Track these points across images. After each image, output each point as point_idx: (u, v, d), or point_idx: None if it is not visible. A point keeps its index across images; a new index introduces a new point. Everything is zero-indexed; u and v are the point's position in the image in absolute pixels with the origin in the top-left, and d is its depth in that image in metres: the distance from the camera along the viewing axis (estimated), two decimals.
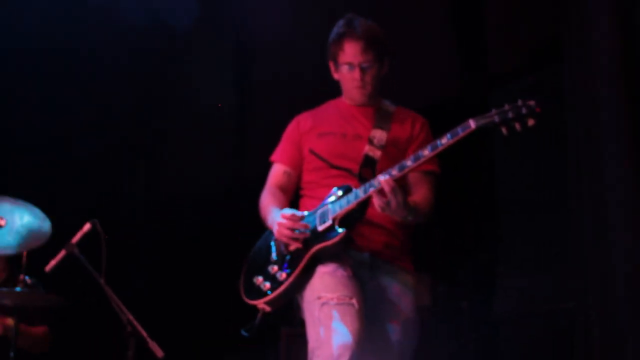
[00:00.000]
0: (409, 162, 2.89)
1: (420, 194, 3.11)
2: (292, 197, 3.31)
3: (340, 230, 2.95)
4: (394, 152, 3.13)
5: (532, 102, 2.71)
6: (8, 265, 4.28)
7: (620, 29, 3.56)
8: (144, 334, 3.62)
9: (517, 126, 2.73)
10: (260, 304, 3.04)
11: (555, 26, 4.24)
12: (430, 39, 5.44)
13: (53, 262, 3.89)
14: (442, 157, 2.94)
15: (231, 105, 6.13)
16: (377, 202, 2.87)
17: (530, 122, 2.72)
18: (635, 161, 3.40)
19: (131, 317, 3.66)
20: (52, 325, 4.33)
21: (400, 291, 3.10)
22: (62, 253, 3.89)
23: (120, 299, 3.69)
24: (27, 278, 3.98)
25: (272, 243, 3.12)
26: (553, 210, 4.21)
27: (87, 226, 3.92)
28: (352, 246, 3.05)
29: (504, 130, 2.76)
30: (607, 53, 3.58)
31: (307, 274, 3.00)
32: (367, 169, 3.08)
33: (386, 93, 3.23)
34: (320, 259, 3.00)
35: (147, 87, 6.03)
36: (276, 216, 3.07)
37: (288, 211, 3.03)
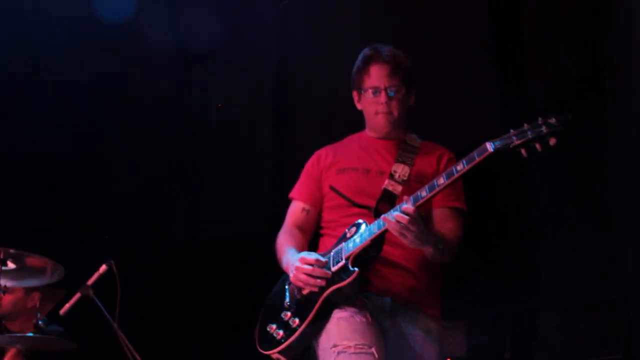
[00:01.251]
0: (423, 193, 2.69)
1: (446, 228, 2.89)
2: (312, 237, 3.12)
3: (353, 269, 2.73)
4: (417, 188, 2.86)
5: (553, 120, 2.50)
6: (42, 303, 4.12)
7: None
8: None
9: (538, 147, 2.50)
10: (274, 354, 2.83)
11: (594, 58, 4.05)
12: (469, 78, 5.29)
13: (67, 306, 3.76)
14: (475, 195, 2.73)
15: (267, 138, 5.97)
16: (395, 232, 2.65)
17: (552, 141, 2.49)
18: None
19: None
20: None
21: (423, 340, 2.86)
22: (77, 295, 3.77)
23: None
24: (40, 322, 3.84)
25: (287, 287, 2.92)
26: (595, 245, 3.93)
27: (103, 267, 3.80)
28: (372, 289, 2.83)
29: (523, 152, 2.53)
30: None
31: (321, 320, 2.79)
32: (385, 204, 2.87)
33: (424, 134, 3.07)
34: (335, 302, 2.79)
35: (184, 121, 5.96)
36: (292, 258, 2.87)
37: (311, 256, 2.82)
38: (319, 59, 5.44)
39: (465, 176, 2.65)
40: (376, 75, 2.98)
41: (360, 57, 3.05)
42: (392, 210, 2.71)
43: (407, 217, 2.61)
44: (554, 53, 4.86)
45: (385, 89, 2.97)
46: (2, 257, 3.44)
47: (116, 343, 3.62)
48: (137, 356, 3.55)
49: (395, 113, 3.00)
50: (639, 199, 3.36)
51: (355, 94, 3.08)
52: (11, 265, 3.52)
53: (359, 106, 3.10)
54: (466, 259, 4.88)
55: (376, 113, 3.01)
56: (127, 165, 5.74)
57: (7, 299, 3.79)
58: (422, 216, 2.67)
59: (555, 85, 4.83)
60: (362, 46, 3.08)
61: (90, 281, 3.78)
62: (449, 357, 4.65)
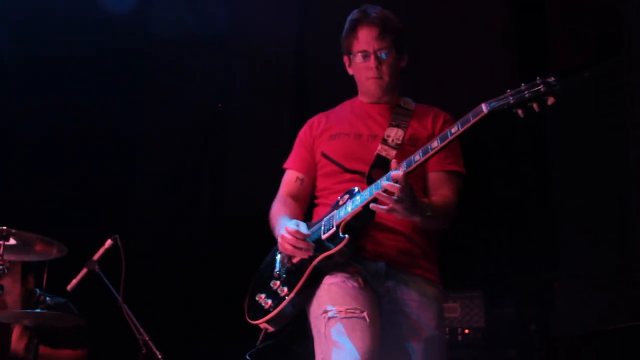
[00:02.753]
0: (417, 157, 2.58)
1: (439, 195, 2.79)
2: (307, 206, 3.04)
3: (343, 236, 2.65)
4: (412, 152, 2.74)
5: (551, 79, 2.38)
6: (22, 282, 4.11)
7: None
8: (159, 356, 3.42)
9: (535, 106, 2.39)
10: (262, 323, 2.76)
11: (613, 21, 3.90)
12: (489, 43, 5.17)
13: (74, 281, 3.78)
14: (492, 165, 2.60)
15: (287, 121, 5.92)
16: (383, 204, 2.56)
17: (550, 100, 2.38)
18: None
19: (147, 338, 3.47)
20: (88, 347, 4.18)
21: (419, 304, 2.76)
22: (84, 271, 3.78)
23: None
24: (47, 298, 3.85)
25: (277, 256, 2.86)
26: (616, 214, 3.77)
27: (108, 242, 3.80)
28: (365, 255, 2.75)
29: (520, 112, 2.42)
30: None
31: (311, 288, 2.72)
32: (378, 170, 2.77)
33: (441, 97, 2.96)
34: (325, 270, 2.71)
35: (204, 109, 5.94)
36: (282, 227, 2.79)
37: (292, 226, 2.74)
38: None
39: (462, 138, 2.55)
40: (364, 39, 2.87)
41: (348, 20, 2.94)
42: (381, 179, 2.62)
43: (396, 185, 2.52)
44: (573, 15, 4.72)
45: (375, 52, 2.86)
46: (4, 234, 3.43)
47: (122, 318, 3.61)
48: (141, 331, 3.54)
49: (386, 77, 2.90)
50: None
51: (346, 59, 2.98)
52: (12, 241, 3.52)
53: (350, 71, 3.00)
54: (484, 230, 4.85)
55: (367, 78, 2.92)
56: (151, 150, 5.73)
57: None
58: (410, 186, 2.57)
59: (574, 48, 4.69)
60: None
61: (96, 256, 3.79)
62: (467, 328, 4.57)
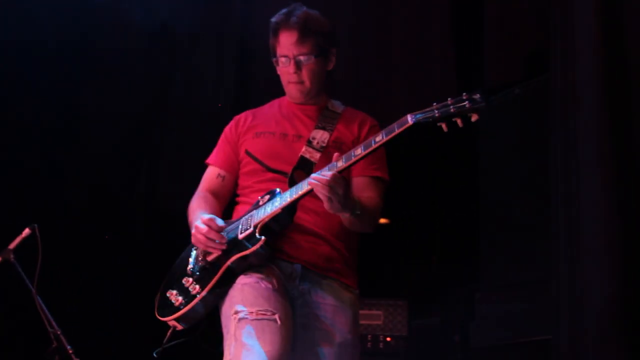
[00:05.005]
0: (339, 163, 2.57)
1: (365, 196, 2.77)
2: (227, 203, 3.01)
3: (260, 237, 2.62)
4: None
5: (477, 96, 2.39)
6: None
7: (603, 32, 3.23)
8: (70, 351, 3.34)
9: (459, 122, 2.41)
10: (171, 320, 2.71)
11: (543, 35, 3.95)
12: (429, 53, 5.21)
13: None
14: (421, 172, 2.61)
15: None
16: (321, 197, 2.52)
17: (474, 117, 2.39)
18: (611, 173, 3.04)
19: (59, 332, 3.39)
20: None
21: (334, 309, 2.74)
22: None
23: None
24: None
25: (192, 253, 2.81)
26: (538, 228, 3.82)
27: (26, 231, 3.69)
28: (282, 256, 2.73)
29: (444, 126, 2.43)
30: (589, 57, 3.24)
31: (224, 287, 2.68)
32: (301, 172, 2.75)
33: (383, 104, 2.92)
34: (239, 270, 2.68)
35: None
36: (198, 218, 2.73)
37: (207, 216, 2.70)
38: None
39: (387, 147, 2.55)
40: (284, 43, 2.83)
41: (271, 21, 2.90)
42: (321, 170, 2.58)
43: (337, 174, 2.50)
44: (511, 31, 4.79)
45: (294, 58, 2.82)
46: None
47: (35, 310, 3.51)
48: (53, 324, 3.45)
49: (307, 83, 2.87)
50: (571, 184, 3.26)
51: (274, 61, 2.94)
52: None
53: (277, 71, 2.96)
54: (411, 240, 4.89)
55: (288, 82, 2.89)
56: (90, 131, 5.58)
57: None
58: (345, 179, 2.58)
59: (510, 63, 4.76)
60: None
61: (12, 245, 3.68)
62: (389, 336, 4.59)
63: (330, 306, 2.75)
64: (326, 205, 2.54)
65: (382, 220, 5.48)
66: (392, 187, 2.94)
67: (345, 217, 2.67)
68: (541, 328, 3.65)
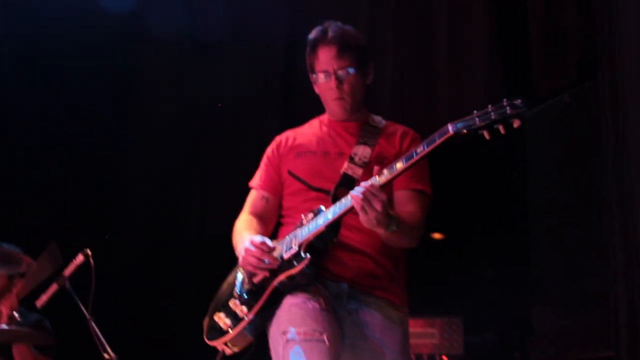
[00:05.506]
0: (380, 177, 2.55)
1: (405, 211, 2.72)
2: (274, 225, 2.99)
3: (305, 256, 2.61)
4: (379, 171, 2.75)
5: (518, 101, 2.35)
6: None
7: None
8: None
9: (501, 129, 2.37)
10: (219, 344, 2.71)
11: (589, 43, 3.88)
12: (475, 62, 5.16)
13: (44, 297, 3.70)
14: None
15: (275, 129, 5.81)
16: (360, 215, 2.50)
17: (516, 123, 2.35)
18: None
19: (115, 357, 3.42)
20: None
21: (382, 328, 2.71)
22: (54, 287, 3.72)
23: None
24: (15, 313, 3.80)
25: (238, 275, 2.82)
26: (592, 239, 3.73)
27: (79, 258, 3.73)
28: (328, 275, 2.71)
29: (485, 134, 2.40)
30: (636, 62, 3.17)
31: (271, 308, 2.68)
32: (344, 189, 2.72)
33: (427, 119, 2.89)
34: (286, 290, 2.67)
35: None
36: (246, 240, 2.74)
37: (258, 238, 2.71)
38: None
39: (429, 158, 2.52)
40: (324, 59, 2.84)
41: (308, 39, 2.91)
42: (358, 186, 2.55)
43: (372, 190, 2.48)
44: (557, 40, 4.72)
45: (335, 72, 2.83)
46: None
47: (89, 336, 3.55)
48: (108, 350, 3.48)
49: (348, 98, 2.86)
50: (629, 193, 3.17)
51: (312, 78, 2.95)
52: None
53: (316, 90, 2.97)
54: (465, 257, 4.80)
55: (331, 100, 2.89)
56: (135, 158, 5.67)
57: None
58: (384, 194, 2.52)
59: (557, 72, 4.68)
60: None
61: (67, 272, 3.73)
62: (445, 354, 4.51)
63: (379, 325, 2.71)
64: (361, 218, 2.51)
65: (436, 236, 5.43)
66: (444, 202, 2.89)
67: (380, 232, 2.63)
68: (601, 343, 3.53)
